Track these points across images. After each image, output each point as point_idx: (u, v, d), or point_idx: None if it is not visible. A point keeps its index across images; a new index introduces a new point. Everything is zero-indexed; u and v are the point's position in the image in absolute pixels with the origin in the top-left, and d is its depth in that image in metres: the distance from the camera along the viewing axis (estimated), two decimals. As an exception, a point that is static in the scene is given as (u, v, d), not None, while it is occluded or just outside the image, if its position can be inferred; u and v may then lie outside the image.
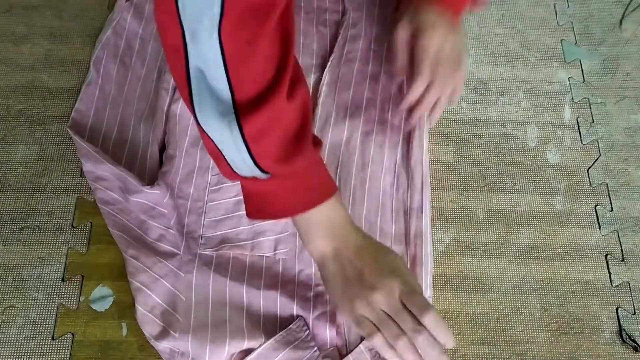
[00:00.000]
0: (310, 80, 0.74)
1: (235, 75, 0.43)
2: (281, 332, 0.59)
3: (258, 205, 0.54)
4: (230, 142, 0.46)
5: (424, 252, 0.63)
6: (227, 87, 0.43)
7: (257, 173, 0.50)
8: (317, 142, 0.54)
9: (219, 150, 0.48)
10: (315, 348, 0.58)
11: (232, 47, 0.41)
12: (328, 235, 0.55)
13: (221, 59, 0.42)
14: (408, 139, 0.71)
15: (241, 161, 0.48)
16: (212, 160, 0.68)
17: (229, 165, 0.50)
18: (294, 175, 0.51)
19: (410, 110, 0.69)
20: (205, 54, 0.42)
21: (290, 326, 0.59)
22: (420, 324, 0.52)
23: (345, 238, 0.56)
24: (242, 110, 0.45)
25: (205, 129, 0.47)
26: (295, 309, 0.61)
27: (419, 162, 0.69)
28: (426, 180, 0.68)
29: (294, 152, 0.50)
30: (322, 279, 0.57)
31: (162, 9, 0.41)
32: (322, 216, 0.54)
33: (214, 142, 0.48)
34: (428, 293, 0.62)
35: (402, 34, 0.68)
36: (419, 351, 0.51)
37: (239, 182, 0.53)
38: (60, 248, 0.65)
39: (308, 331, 0.59)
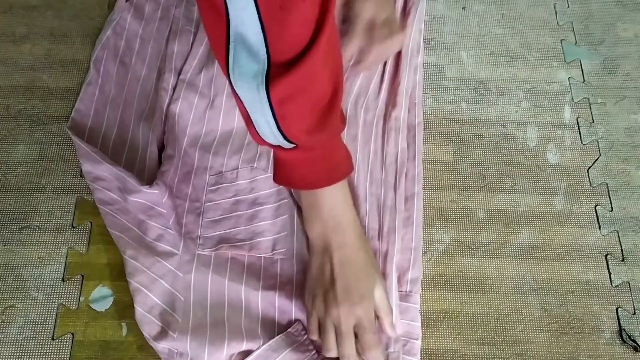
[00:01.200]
0: None
1: (271, 37, 0.42)
2: (280, 335, 0.59)
3: (284, 172, 0.55)
4: (257, 105, 0.46)
5: (400, 247, 0.64)
6: (264, 47, 0.43)
7: (282, 141, 0.49)
8: (344, 118, 0.54)
9: (247, 112, 0.48)
10: (314, 351, 0.58)
11: (267, 9, 0.41)
12: (328, 223, 0.56)
13: (258, 20, 0.41)
14: (382, 137, 0.71)
15: (266, 126, 0.48)
16: (210, 161, 0.68)
17: (256, 129, 0.50)
18: (318, 149, 0.52)
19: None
20: (242, 14, 0.41)
21: (289, 330, 0.59)
22: (359, 355, 0.56)
23: (342, 236, 0.57)
24: (274, 72, 0.44)
25: (236, 89, 0.46)
26: (294, 310, 0.61)
27: (394, 162, 0.69)
28: (410, 176, 0.68)
29: (320, 123, 0.49)
30: (309, 257, 0.59)
31: None
32: (330, 199, 0.56)
33: (243, 104, 0.47)
34: (416, 288, 0.62)
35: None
36: None
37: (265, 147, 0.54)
38: (60, 248, 0.65)
39: (307, 336, 0.59)
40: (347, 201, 0.58)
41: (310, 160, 0.53)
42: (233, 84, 0.46)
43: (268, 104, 0.45)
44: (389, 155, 0.69)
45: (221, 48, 0.44)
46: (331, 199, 0.56)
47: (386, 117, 0.72)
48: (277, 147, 0.51)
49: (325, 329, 0.56)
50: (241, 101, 0.47)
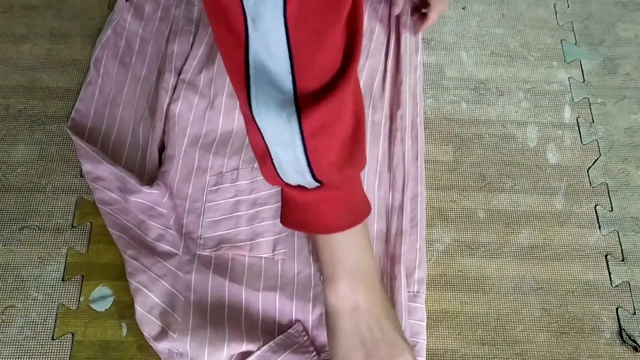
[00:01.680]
0: None
1: (299, 64, 0.39)
2: (280, 336, 0.59)
3: (300, 215, 0.49)
4: (286, 138, 0.42)
5: (406, 250, 0.64)
6: (290, 75, 0.39)
7: (307, 179, 0.45)
8: (366, 151, 0.51)
9: (267, 147, 0.44)
10: (315, 352, 0.58)
11: (298, 33, 0.38)
12: (352, 280, 0.50)
13: (285, 45, 0.38)
14: (390, 138, 0.71)
15: (292, 162, 0.44)
16: (210, 161, 0.68)
17: (274, 167, 0.45)
18: (343, 186, 0.47)
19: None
20: (268, 40, 0.38)
21: (289, 331, 0.59)
22: None
23: (371, 294, 0.51)
24: (303, 102, 0.40)
25: (258, 121, 0.42)
26: (295, 311, 0.61)
27: (401, 162, 0.69)
28: (412, 177, 0.68)
29: (349, 157, 0.46)
30: (328, 330, 0.52)
31: None
32: (351, 244, 0.50)
33: (263, 138, 0.43)
34: (422, 289, 0.62)
35: None
36: None
37: (280, 188, 0.48)
38: (60, 248, 0.65)
39: (307, 337, 0.59)
40: (368, 245, 0.52)
41: (334, 199, 0.48)
42: (255, 115, 0.41)
43: (300, 136, 0.41)
44: (396, 155, 0.69)
45: (239, 75, 0.40)
46: (353, 244, 0.51)
47: (392, 117, 0.72)
48: (296, 188, 0.47)
49: None
50: (261, 135, 0.43)
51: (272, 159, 0.45)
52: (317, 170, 0.44)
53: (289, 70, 0.39)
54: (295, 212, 0.49)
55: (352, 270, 0.51)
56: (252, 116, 0.42)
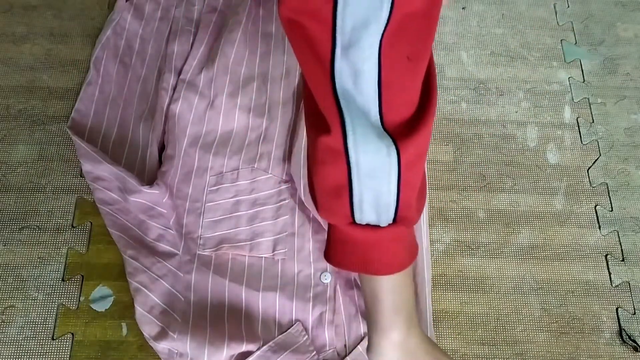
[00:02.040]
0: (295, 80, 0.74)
1: (388, 96, 0.37)
2: (280, 336, 0.59)
3: (358, 255, 0.45)
4: (384, 172, 0.39)
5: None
6: (377, 109, 0.38)
7: (388, 215, 0.42)
8: None
9: (350, 182, 0.40)
10: (314, 352, 0.58)
11: (391, 62, 0.36)
12: (406, 327, 0.47)
13: (376, 75, 0.36)
14: None
15: (376, 198, 0.41)
16: (210, 161, 0.68)
17: (351, 204, 0.42)
18: (414, 223, 0.45)
19: None
20: (358, 69, 0.36)
21: (289, 330, 0.59)
22: None
23: (419, 338, 0.48)
24: (396, 134, 0.38)
25: (353, 154, 0.39)
26: (295, 311, 0.61)
27: None
28: None
29: (423, 191, 0.44)
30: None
31: (309, 15, 0.35)
32: (403, 282, 0.46)
33: (349, 172, 0.40)
34: (428, 288, 0.62)
35: None
36: None
37: (333, 225, 0.44)
38: (60, 248, 0.65)
39: (307, 337, 0.59)
40: (412, 284, 0.49)
41: (405, 237, 0.45)
42: (351, 148, 0.39)
43: (397, 170, 0.39)
44: None
45: (331, 109, 0.38)
46: (408, 284, 0.47)
47: None
48: (364, 227, 0.43)
49: None
50: (348, 168, 0.40)
51: (351, 195, 0.41)
52: (403, 205, 0.42)
53: (376, 104, 0.37)
54: (356, 252, 0.45)
55: (400, 306, 0.47)
56: (346, 149, 0.39)
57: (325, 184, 0.42)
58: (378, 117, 0.38)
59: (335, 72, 0.37)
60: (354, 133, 0.38)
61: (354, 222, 0.43)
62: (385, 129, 0.38)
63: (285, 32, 0.38)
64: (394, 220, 0.43)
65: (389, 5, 0.34)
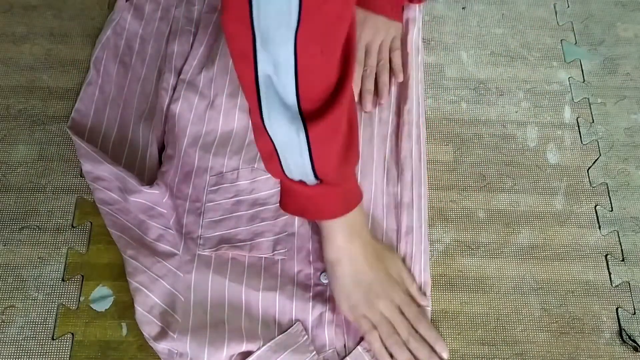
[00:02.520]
0: None
1: (304, 83, 0.43)
2: (280, 336, 0.59)
3: (298, 205, 0.56)
4: (295, 147, 0.48)
5: (415, 250, 0.64)
6: (294, 94, 0.44)
7: (309, 178, 0.51)
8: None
9: (277, 152, 0.49)
10: (314, 352, 0.58)
11: (305, 56, 0.41)
12: (348, 238, 0.58)
13: (293, 67, 0.42)
14: (397, 133, 0.71)
15: (298, 165, 0.50)
16: (210, 161, 0.68)
17: (281, 165, 0.51)
18: (340, 183, 0.54)
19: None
20: (277, 61, 0.42)
21: (289, 330, 0.59)
22: (415, 330, 0.59)
23: (362, 244, 0.59)
24: (308, 117, 0.45)
25: (270, 133, 0.47)
26: (295, 311, 0.61)
27: (409, 156, 0.69)
28: (417, 176, 0.68)
29: (345, 158, 0.52)
30: (330, 276, 0.60)
31: (232, 18, 0.40)
32: (347, 219, 0.57)
33: (273, 144, 0.49)
34: (427, 292, 0.62)
35: None
36: (413, 352, 0.58)
37: (278, 180, 0.55)
38: (60, 248, 0.65)
39: (307, 336, 0.59)
40: (363, 221, 0.60)
41: (332, 194, 0.54)
42: (267, 127, 0.47)
43: (307, 146, 0.47)
44: (404, 150, 0.69)
45: (252, 93, 0.45)
46: (346, 225, 0.58)
47: (399, 111, 0.72)
48: (298, 183, 0.53)
49: (380, 323, 0.58)
50: (271, 140, 0.48)
51: (279, 159, 0.50)
52: (319, 171, 0.50)
53: (293, 88, 0.43)
54: (295, 201, 0.56)
55: (347, 231, 0.58)
56: (264, 127, 0.47)
57: (262, 150, 0.52)
58: (295, 102, 0.44)
59: (258, 63, 0.42)
60: (269, 116, 0.46)
61: (291, 179, 0.53)
62: (300, 112, 0.45)
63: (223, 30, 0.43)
64: (319, 180, 0.52)
65: (297, 11, 0.38)
